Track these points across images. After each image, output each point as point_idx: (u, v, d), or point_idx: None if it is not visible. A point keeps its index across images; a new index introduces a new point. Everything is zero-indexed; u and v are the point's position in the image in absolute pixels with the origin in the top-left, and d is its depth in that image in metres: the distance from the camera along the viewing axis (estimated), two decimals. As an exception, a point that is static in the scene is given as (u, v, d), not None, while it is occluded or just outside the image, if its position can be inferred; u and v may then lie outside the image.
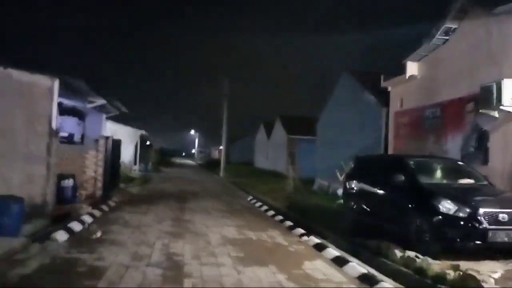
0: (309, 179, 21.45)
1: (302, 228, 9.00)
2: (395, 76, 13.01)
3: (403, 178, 7.38)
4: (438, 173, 7.71)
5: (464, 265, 5.90)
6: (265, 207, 12.78)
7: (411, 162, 7.82)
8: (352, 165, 10.35)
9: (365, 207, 8.80)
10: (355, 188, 9.41)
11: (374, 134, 14.97)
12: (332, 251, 7.02)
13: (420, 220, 6.75)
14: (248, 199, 15.55)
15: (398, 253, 6.54)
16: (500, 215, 6.23)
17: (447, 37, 10.70)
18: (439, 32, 10.73)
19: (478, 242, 6.21)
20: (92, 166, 11.88)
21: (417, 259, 6.14)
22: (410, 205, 7.13)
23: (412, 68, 12.11)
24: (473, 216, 6.23)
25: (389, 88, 13.57)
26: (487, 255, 6.37)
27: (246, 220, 10.30)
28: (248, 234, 8.50)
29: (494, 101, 8.29)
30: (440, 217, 6.43)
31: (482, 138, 9.35)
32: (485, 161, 9.15)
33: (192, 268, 5.72)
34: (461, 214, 6.29)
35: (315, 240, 7.93)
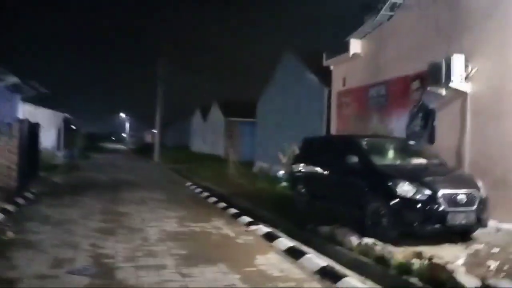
0: (249, 162, 20.92)
1: (248, 216, 8.34)
2: (338, 54, 12.62)
3: (356, 159, 6.92)
4: (391, 153, 7.36)
5: (425, 250, 5.55)
6: (206, 194, 11.96)
7: (364, 143, 7.39)
8: (299, 147, 9.82)
9: (315, 191, 8.31)
10: (303, 171, 8.89)
11: (317, 114, 14.61)
12: (285, 241, 6.41)
13: (377, 204, 6.33)
14: (187, 185, 14.60)
15: (354, 240, 6.07)
16: (459, 196, 5.97)
17: (392, 13, 10.40)
18: (384, 8, 10.40)
19: (437, 225, 5.90)
20: (4, 154, 10.27)
21: (376, 247, 5.71)
22: (365, 188, 6.70)
23: (355, 45, 11.76)
24: (432, 198, 5.89)
25: (332, 67, 13.19)
26: (444, 239, 6.10)
27: (187, 209, 9.41)
28: (190, 226, 7.66)
29: (443, 78, 8.06)
30: (398, 200, 6.03)
31: (428, 116, 9.20)
32: (432, 140, 9.01)
33: (126, 274, 4.78)
34: (420, 197, 5.93)
35: (264, 229, 7.29)
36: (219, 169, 18.68)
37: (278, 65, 18.97)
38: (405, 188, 6.03)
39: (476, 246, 5.83)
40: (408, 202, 5.95)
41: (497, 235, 6.49)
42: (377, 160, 6.93)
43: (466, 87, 8.08)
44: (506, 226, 6.79)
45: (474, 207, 6.01)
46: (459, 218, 5.92)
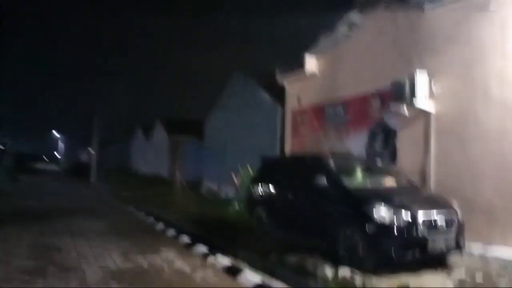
0: (196, 183, 19.93)
1: (203, 245, 7.46)
2: (293, 72, 12.23)
3: (324, 181, 6.35)
4: (360, 175, 6.87)
5: (407, 281, 5.05)
6: (151, 220, 10.85)
7: (331, 163, 6.86)
8: (257, 167, 9.14)
9: (277, 216, 7.62)
10: (263, 194, 8.19)
11: (269, 133, 14.09)
12: (250, 276, 5.61)
13: (351, 231, 5.76)
14: (130, 211, 13.31)
15: (329, 271, 5.44)
16: (439, 221, 5.55)
17: (350, 31, 10.19)
18: (341, 26, 10.17)
19: (418, 252, 5.42)
20: None
21: (355, 278, 5.10)
22: (336, 213, 6.12)
23: (311, 63, 11.44)
24: (412, 224, 5.42)
25: (286, 85, 12.77)
26: (421, 265, 5.64)
27: (132, 239, 8.29)
28: (137, 260, 6.61)
29: (407, 97, 7.82)
30: (375, 226, 5.50)
31: (389, 136, 8.94)
32: (393, 160, 8.72)
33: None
34: (398, 222, 5.43)
35: (223, 261, 6.45)
36: (165, 192, 17.52)
37: (228, 83, 18.35)
38: (382, 213, 5.51)
39: (457, 274, 5.42)
40: (387, 228, 5.43)
41: (472, 259, 6.15)
42: (348, 182, 6.40)
43: (430, 106, 7.88)
44: (476, 248, 6.49)
45: (453, 231, 5.62)
46: (439, 244, 5.50)
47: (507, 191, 6.57)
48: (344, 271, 5.33)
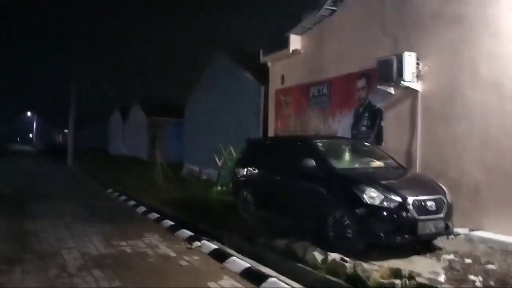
0: (176, 164, 19.60)
1: (187, 229, 7.27)
2: (276, 51, 11.94)
3: (313, 163, 6.20)
4: (348, 156, 6.77)
5: (396, 265, 4.99)
6: (132, 203, 10.56)
7: (319, 144, 6.70)
8: (242, 149, 8.94)
9: (264, 198, 7.47)
10: (249, 176, 8.01)
11: (252, 114, 13.85)
12: (238, 261, 5.47)
13: (340, 213, 5.65)
14: (109, 192, 12.97)
15: (318, 255, 5.33)
16: (428, 203, 5.49)
17: (335, 8, 9.93)
18: (326, 3, 9.90)
19: (407, 235, 5.36)
20: None
21: (346, 263, 5.01)
22: (325, 196, 5.99)
23: (295, 42, 11.15)
24: (402, 206, 5.35)
25: (269, 64, 12.49)
26: (409, 249, 5.60)
27: (112, 223, 8.03)
28: (120, 245, 6.39)
29: (394, 75, 7.68)
30: (365, 208, 5.40)
31: (375, 116, 8.83)
32: (379, 140, 8.64)
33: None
34: (389, 204, 5.34)
35: (209, 245, 6.29)
36: (144, 174, 17.16)
37: (210, 62, 17.90)
38: (372, 195, 5.41)
39: (446, 257, 5.39)
40: (376, 211, 5.35)
41: (459, 242, 6.14)
42: (336, 164, 6.27)
43: (417, 85, 7.78)
44: (463, 231, 6.49)
45: (442, 214, 5.58)
46: (429, 227, 5.43)
47: (492, 168, 6.56)
48: (334, 256, 5.22)
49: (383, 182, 5.71)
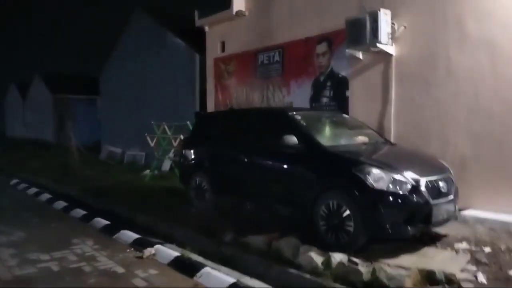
0: (92, 147, 17.31)
1: (129, 228, 5.72)
2: (215, 12, 10.37)
3: (295, 141, 4.98)
4: (332, 131, 5.65)
5: (408, 262, 4.06)
6: (47, 196, 8.53)
7: (298, 118, 5.48)
8: (192, 125, 7.44)
9: (225, 184, 6.12)
10: (202, 159, 6.58)
11: (186, 86, 12.21)
12: (216, 275, 4.11)
13: (337, 202, 4.53)
14: (13, 184, 10.58)
15: (316, 257, 4.19)
16: (440, 183, 4.59)
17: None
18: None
19: (421, 224, 4.42)
20: None
21: (358, 266, 3.93)
22: (315, 181, 4.82)
23: (239, 1, 9.71)
24: (415, 189, 4.37)
25: (207, 29, 10.88)
26: (416, 241, 4.68)
27: (26, 227, 6.11)
28: (41, 260, 4.66)
29: (368, 37, 6.69)
30: (371, 194, 4.33)
31: (339, 85, 7.84)
32: (344, 113, 7.68)
33: None
34: (399, 188, 4.33)
35: (167, 251, 4.83)
36: (54, 159, 14.75)
37: (127, 27, 15.61)
38: (379, 177, 4.34)
39: (460, 246, 4.57)
40: (385, 196, 4.29)
41: (454, 224, 5.38)
42: (323, 141, 5.10)
43: (391, 49, 6.88)
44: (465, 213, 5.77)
45: (452, 196, 4.73)
46: (441, 212, 4.54)
47: (481, 138, 5.92)
48: (339, 257, 4.12)
49: (386, 160, 4.69)
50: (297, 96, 8.63)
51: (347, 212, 4.42)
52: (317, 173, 4.82)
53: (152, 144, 10.88)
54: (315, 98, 8.28)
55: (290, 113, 5.62)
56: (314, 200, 4.74)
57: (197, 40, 11.28)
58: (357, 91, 7.56)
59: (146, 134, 10.88)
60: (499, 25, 5.75)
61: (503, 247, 4.50)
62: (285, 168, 5.20)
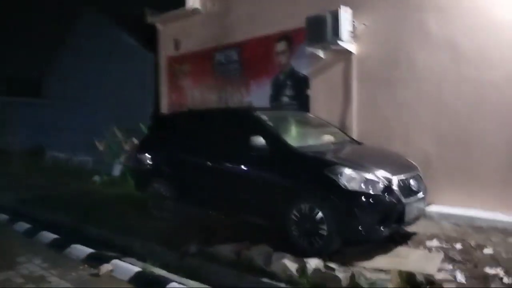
0: (36, 153, 16.18)
1: (81, 242, 5.22)
2: (168, 10, 9.92)
3: (262, 142, 4.72)
4: (299, 131, 5.44)
5: (383, 263, 3.95)
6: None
7: (264, 117, 5.22)
8: (148, 128, 6.98)
9: (186, 191, 5.76)
10: (161, 163, 6.16)
11: (139, 87, 11.62)
12: (182, 289, 3.78)
13: (309, 206, 4.33)
14: None
15: (290, 264, 3.97)
16: (411, 182, 4.52)
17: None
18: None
19: (394, 224, 4.33)
20: None
21: (335, 272, 3.74)
22: (284, 184, 4.59)
23: (194, -1, 9.33)
24: (388, 188, 4.26)
25: (159, 26, 10.40)
26: (386, 240, 4.59)
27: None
28: (-21, 286, 4.08)
29: (329, 35, 6.58)
30: (345, 196, 4.17)
31: (299, 84, 7.69)
32: (305, 112, 7.54)
33: None
34: (373, 188, 4.19)
35: (126, 267, 4.42)
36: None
37: (74, 24, 14.69)
38: (351, 177, 4.19)
39: (432, 244, 4.53)
40: (360, 197, 4.14)
41: (424, 222, 5.37)
42: (291, 141, 4.88)
43: (352, 47, 6.82)
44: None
45: (422, 193, 4.68)
46: (413, 210, 4.48)
47: (444, 137, 5.98)
48: (314, 262, 3.92)
49: (356, 161, 4.56)
50: (256, 95, 8.40)
51: (320, 215, 4.23)
52: (286, 175, 4.59)
53: (101, 148, 10.22)
54: (275, 97, 8.09)
55: (255, 113, 5.36)
56: (285, 204, 4.52)
57: (152, 38, 10.73)
58: (318, 90, 7.44)
59: (95, 139, 10.20)
60: (460, 25, 5.81)
61: (472, 243, 4.51)
62: (252, 171, 4.93)
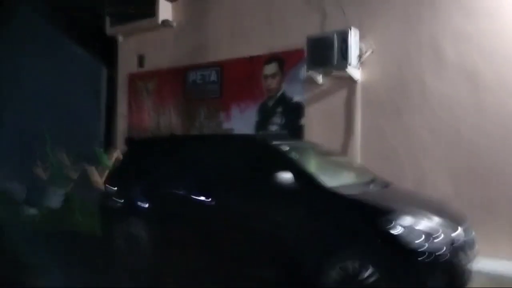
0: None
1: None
2: (132, 21, 8.72)
3: (290, 178, 3.73)
4: (327, 167, 4.51)
5: None
6: None
7: (286, 149, 4.23)
8: (122, 154, 5.69)
9: (172, 235, 4.55)
10: (139, 198, 4.88)
11: (89, 106, 10.09)
12: None
13: (358, 262, 3.38)
14: None
15: None
16: (467, 239, 3.74)
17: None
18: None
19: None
20: None
21: None
22: (321, 232, 3.61)
23: (166, 9, 8.27)
24: (456, 244, 3.45)
25: (120, 39, 9.13)
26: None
27: None
28: None
29: (336, 59, 5.87)
30: (407, 251, 3.29)
31: (292, 112, 6.86)
32: (298, 143, 6.69)
33: None
34: (440, 243, 3.36)
35: None
36: None
37: (8, 33, 12.75)
38: (413, 228, 3.33)
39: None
40: (423, 254, 3.28)
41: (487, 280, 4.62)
42: (325, 180, 3.92)
43: (357, 73, 6.16)
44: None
45: (476, 249, 3.93)
46: (469, 269, 3.69)
47: (462, 175, 5.38)
48: None
49: (412, 207, 3.72)
50: (238, 122, 7.41)
51: (375, 275, 3.30)
52: (325, 221, 3.62)
53: (42, 176, 8.54)
54: (261, 125, 7.16)
55: (270, 142, 4.37)
56: (320, 258, 3.53)
57: (110, 51, 9.39)
58: (314, 119, 6.64)
59: (34, 165, 8.51)
60: (480, 52, 5.36)
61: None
62: (272, 214, 3.88)
